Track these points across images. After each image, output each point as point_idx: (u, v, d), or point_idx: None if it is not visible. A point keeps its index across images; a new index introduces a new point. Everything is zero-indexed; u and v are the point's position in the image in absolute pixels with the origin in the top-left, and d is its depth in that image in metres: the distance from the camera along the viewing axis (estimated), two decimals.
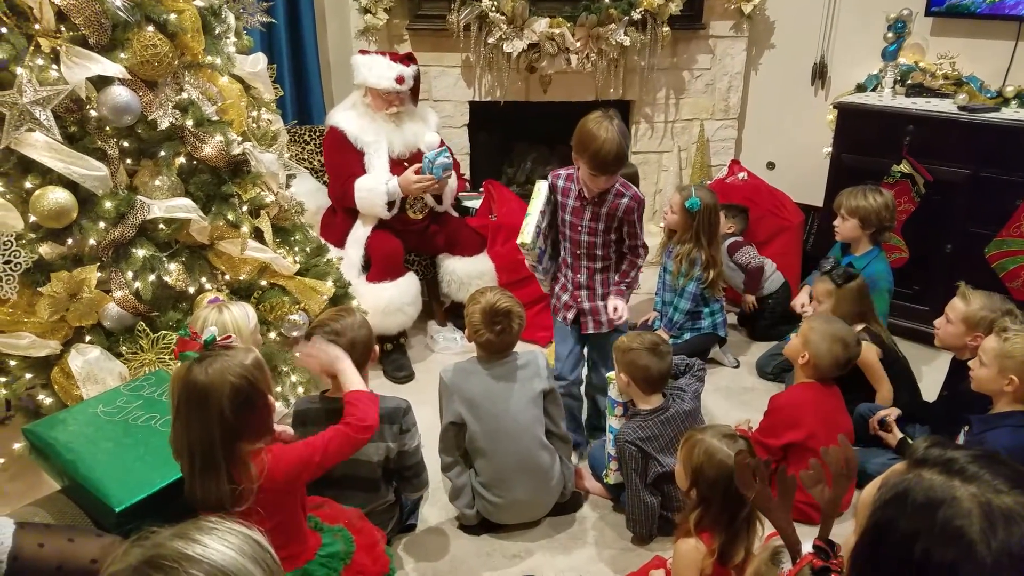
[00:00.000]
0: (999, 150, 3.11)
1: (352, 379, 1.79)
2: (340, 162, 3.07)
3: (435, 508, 2.35)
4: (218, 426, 1.44)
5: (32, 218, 1.98)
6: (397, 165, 3.07)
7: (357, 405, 1.70)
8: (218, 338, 1.50)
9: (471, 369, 2.18)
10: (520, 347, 2.25)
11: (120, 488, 1.62)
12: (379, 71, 2.98)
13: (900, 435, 2.38)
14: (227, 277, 2.32)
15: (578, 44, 3.65)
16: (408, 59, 3.08)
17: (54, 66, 1.93)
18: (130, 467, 1.68)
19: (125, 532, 1.62)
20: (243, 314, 1.92)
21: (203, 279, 2.26)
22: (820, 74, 3.92)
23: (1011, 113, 3.19)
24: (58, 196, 1.97)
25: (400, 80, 2.98)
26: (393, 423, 2.00)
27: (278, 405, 2.00)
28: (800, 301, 3.00)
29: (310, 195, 3.09)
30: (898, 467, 0.96)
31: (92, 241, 2.04)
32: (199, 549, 0.75)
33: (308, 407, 2.02)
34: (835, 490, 1.55)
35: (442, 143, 3.16)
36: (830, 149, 3.57)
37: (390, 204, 3.02)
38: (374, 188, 2.98)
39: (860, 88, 3.69)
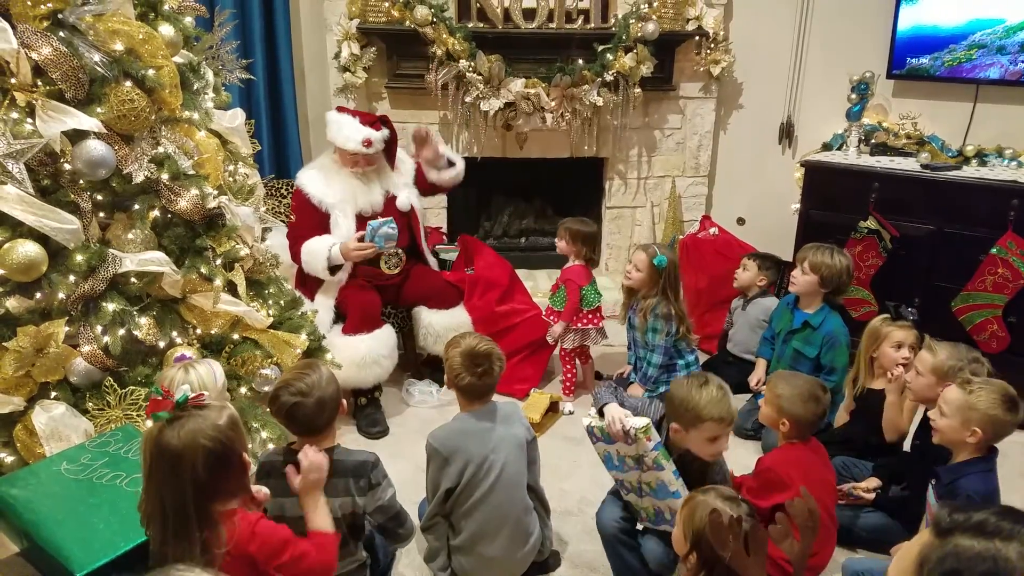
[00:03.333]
0: (961, 207, 3.21)
1: (321, 512, 1.73)
2: (298, 224, 3.10)
3: (409, 569, 2.28)
4: (191, 488, 1.40)
5: (0, 271, 1.95)
6: (364, 220, 3.08)
7: (324, 549, 1.65)
8: (190, 397, 1.47)
9: (458, 424, 2.13)
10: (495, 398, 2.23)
11: (82, 551, 1.55)
12: (347, 132, 2.98)
13: (873, 488, 2.38)
14: (199, 331, 2.29)
15: (553, 104, 3.74)
16: (381, 122, 3.07)
17: (29, 120, 1.93)
18: (94, 529, 1.61)
19: None
20: (209, 372, 1.87)
21: (174, 333, 2.23)
22: (787, 133, 4.04)
23: (971, 171, 3.31)
24: (28, 249, 1.94)
25: (367, 143, 2.98)
26: (359, 478, 1.95)
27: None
28: (756, 377, 3.03)
29: (286, 248, 3.09)
30: (925, 540, 0.94)
31: (61, 295, 2.01)
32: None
33: (272, 459, 1.97)
34: (802, 542, 1.56)
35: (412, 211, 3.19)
36: (798, 205, 3.65)
37: (333, 268, 3.01)
38: (316, 252, 2.99)
39: (826, 147, 3.81)
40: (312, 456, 1.75)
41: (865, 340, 2.67)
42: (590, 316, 3.25)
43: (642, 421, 1.97)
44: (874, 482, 2.42)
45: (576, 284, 3.20)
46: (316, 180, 3.08)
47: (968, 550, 0.88)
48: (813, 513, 1.53)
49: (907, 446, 2.59)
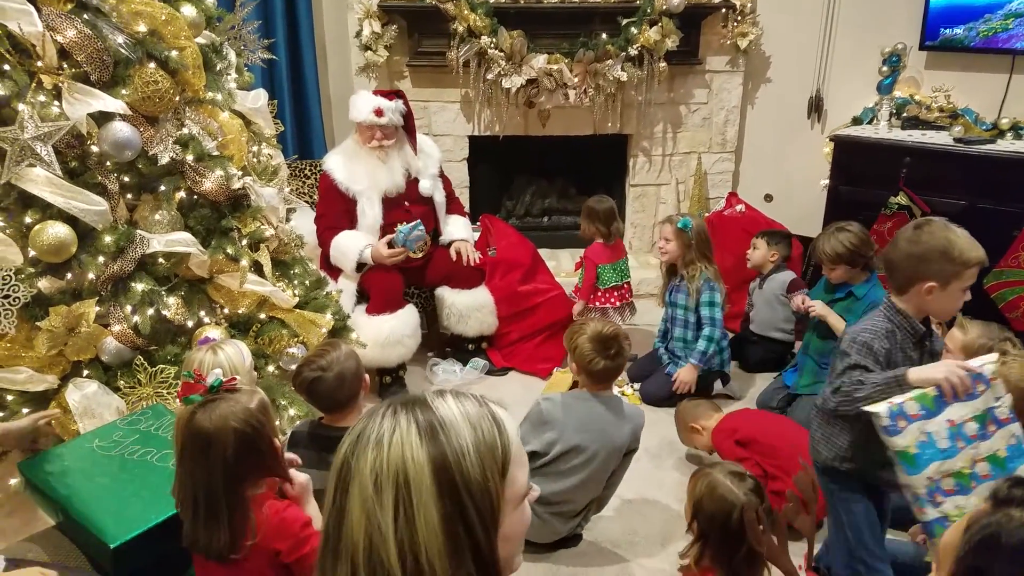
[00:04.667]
0: (995, 181, 3.13)
1: (318, 517, 1.64)
2: (325, 212, 3.11)
3: None
4: (221, 472, 1.41)
5: (31, 253, 1.99)
6: (389, 207, 3.09)
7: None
8: (223, 381, 1.48)
9: (569, 399, 2.16)
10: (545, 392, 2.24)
11: (116, 524, 1.59)
12: (360, 105, 3.02)
13: None
14: (226, 311, 2.32)
15: (576, 80, 3.70)
16: (395, 95, 3.08)
17: (56, 102, 1.95)
18: (126, 503, 1.66)
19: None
20: (238, 353, 1.89)
21: (202, 313, 2.26)
22: (816, 107, 3.96)
23: (1006, 145, 3.22)
24: (58, 231, 1.97)
25: (378, 112, 2.98)
26: None
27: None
28: (800, 300, 2.98)
29: (311, 230, 3.10)
30: (983, 507, 0.97)
31: (91, 275, 2.04)
32: (435, 401, 0.83)
33: (300, 430, 2.02)
34: (810, 514, 1.58)
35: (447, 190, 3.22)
36: (827, 181, 3.59)
37: (360, 265, 3.04)
38: (347, 252, 3.01)
39: (856, 121, 3.73)
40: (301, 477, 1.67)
41: None
42: (606, 295, 3.24)
43: (991, 356, 1.60)
44: None
45: (592, 262, 3.21)
46: (342, 166, 3.09)
47: (1015, 520, 0.90)
48: (815, 484, 1.56)
49: None
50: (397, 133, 3.11)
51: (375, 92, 3.07)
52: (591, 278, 3.21)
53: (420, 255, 3.12)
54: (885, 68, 3.55)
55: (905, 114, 3.57)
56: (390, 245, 2.99)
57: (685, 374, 2.98)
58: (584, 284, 3.22)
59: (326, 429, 1.95)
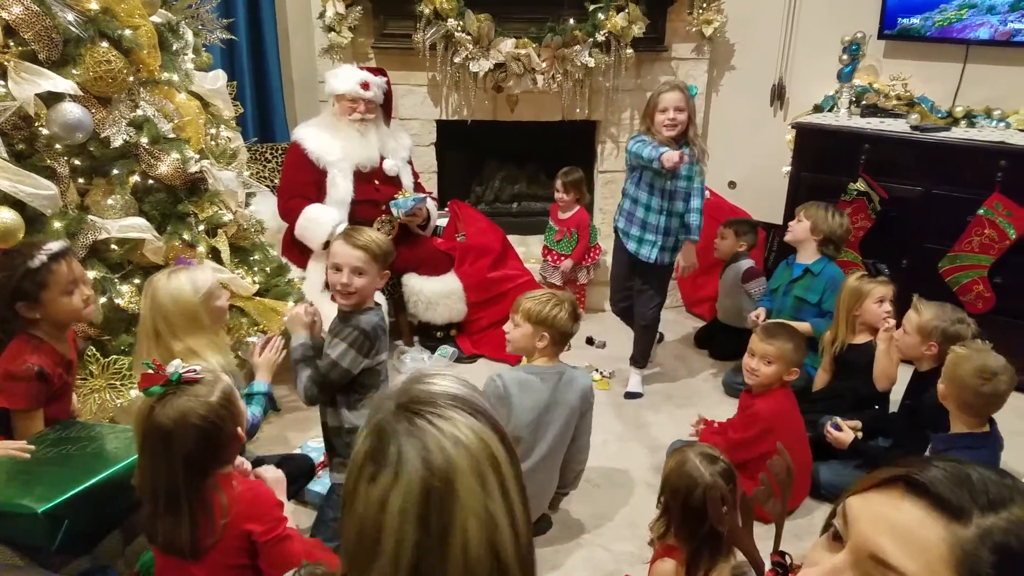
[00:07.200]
0: (950, 168, 3.20)
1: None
2: (292, 180, 3.06)
3: None
4: (181, 466, 1.39)
5: None
6: (361, 181, 3.05)
7: (301, 542, 1.56)
8: (182, 372, 1.44)
9: (528, 376, 2.12)
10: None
11: (41, 494, 1.52)
12: (345, 76, 3.03)
13: (852, 436, 2.39)
14: None
15: (544, 65, 3.68)
16: (379, 72, 3.11)
17: (1, 82, 1.88)
18: (47, 481, 1.57)
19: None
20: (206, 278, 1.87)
21: None
22: (779, 95, 4.00)
23: (961, 132, 3.28)
24: (3, 216, 1.90)
25: (365, 85, 2.99)
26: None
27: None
28: (756, 313, 3.02)
29: (272, 214, 3.04)
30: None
31: None
32: (439, 383, 0.82)
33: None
34: (782, 500, 1.59)
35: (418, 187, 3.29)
36: (789, 168, 3.63)
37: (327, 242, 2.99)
38: (321, 224, 2.94)
39: (817, 109, 3.78)
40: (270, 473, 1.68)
41: (848, 298, 2.70)
42: (593, 252, 3.71)
43: None
44: (858, 424, 2.46)
45: (587, 226, 3.59)
46: (316, 136, 3.06)
47: None
48: (790, 470, 1.58)
49: (894, 407, 2.62)
50: (377, 110, 3.12)
51: (360, 66, 3.12)
52: (586, 240, 3.60)
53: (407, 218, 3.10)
54: (845, 56, 3.60)
55: (864, 102, 3.62)
56: (388, 211, 3.01)
57: (690, 257, 2.96)
58: (579, 247, 3.59)
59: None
